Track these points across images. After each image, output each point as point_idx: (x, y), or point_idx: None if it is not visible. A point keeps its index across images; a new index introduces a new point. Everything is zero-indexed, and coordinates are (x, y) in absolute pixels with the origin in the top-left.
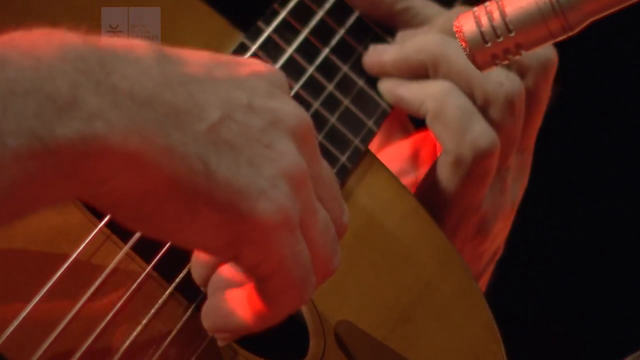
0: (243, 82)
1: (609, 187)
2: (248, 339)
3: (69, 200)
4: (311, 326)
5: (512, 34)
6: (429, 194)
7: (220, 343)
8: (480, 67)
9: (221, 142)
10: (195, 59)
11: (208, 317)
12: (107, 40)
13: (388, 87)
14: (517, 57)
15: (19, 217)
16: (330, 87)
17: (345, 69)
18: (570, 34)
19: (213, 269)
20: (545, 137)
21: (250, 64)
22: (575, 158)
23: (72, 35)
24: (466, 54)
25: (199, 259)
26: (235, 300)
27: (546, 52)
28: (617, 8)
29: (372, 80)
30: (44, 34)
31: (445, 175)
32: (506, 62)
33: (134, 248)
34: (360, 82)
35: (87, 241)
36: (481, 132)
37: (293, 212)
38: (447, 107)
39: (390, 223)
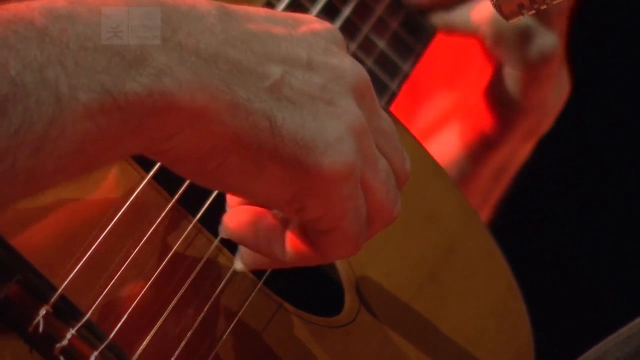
0: (301, 39)
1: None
2: (286, 294)
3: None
4: (346, 283)
5: None
6: (496, 106)
7: (239, 267)
8: (507, 17)
9: (284, 98)
10: (255, 15)
11: (238, 229)
12: None
13: (439, 16)
14: (544, 7)
15: (89, 170)
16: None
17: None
18: None
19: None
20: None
21: (307, 21)
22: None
23: None
24: (492, 4)
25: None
26: (274, 232)
27: None
28: None
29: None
30: None
31: (515, 88)
32: (532, 12)
33: (180, 200)
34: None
35: (137, 191)
36: (544, 39)
37: (357, 166)
38: (505, 27)
39: (414, 182)
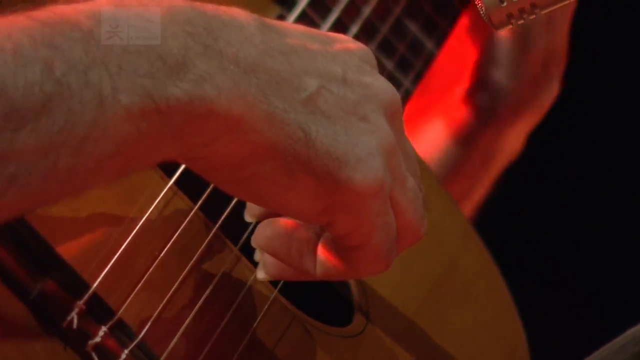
0: (336, 56)
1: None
2: (299, 304)
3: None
4: (356, 297)
5: None
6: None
7: (260, 277)
8: (496, 26)
9: (318, 112)
10: (292, 30)
11: (273, 243)
12: (211, 6)
13: None
14: (533, 17)
15: (127, 173)
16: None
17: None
18: None
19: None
20: None
21: (342, 40)
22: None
23: None
24: (482, 14)
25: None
26: (307, 246)
27: None
28: None
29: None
30: None
31: (507, 58)
32: (521, 21)
33: (202, 207)
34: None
35: (159, 197)
36: None
37: (386, 183)
38: None
39: None
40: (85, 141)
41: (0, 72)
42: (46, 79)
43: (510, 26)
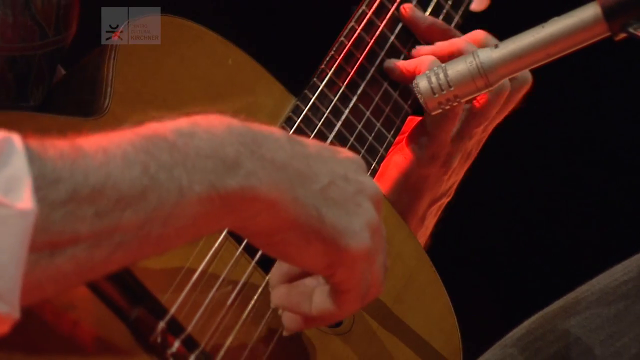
0: (340, 162)
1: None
2: None
3: None
4: None
5: (452, 88)
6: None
7: (285, 333)
8: (430, 111)
9: (328, 198)
10: (311, 143)
11: (280, 297)
12: (256, 124)
13: None
14: (456, 104)
15: (198, 237)
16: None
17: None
18: (491, 88)
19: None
20: None
21: (343, 151)
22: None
23: (234, 119)
24: (421, 102)
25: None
26: (301, 296)
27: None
28: (525, 69)
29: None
30: (217, 117)
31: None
32: (448, 107)
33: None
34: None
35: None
36: None
37: (371, 250)
38: None
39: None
40: (170, 217)
41: (114, 172)
42: (144, 175)
43: (441, 110)
